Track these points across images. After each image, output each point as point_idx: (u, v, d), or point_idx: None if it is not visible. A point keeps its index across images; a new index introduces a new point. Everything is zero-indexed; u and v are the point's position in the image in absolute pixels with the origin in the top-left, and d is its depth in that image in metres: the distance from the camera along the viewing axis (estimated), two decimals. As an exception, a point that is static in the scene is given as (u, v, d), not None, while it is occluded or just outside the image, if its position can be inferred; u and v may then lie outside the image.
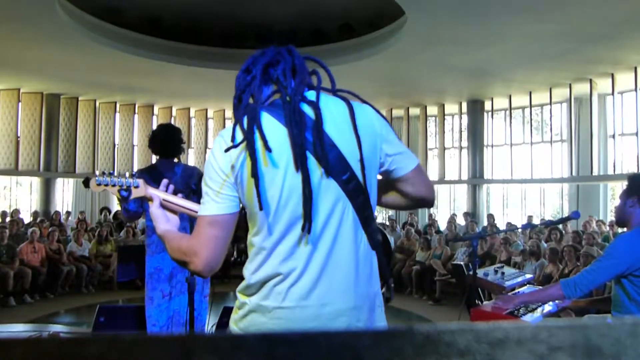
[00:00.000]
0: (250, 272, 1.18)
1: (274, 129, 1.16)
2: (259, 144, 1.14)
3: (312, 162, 1.16)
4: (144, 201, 3.21)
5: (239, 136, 1.15)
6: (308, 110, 1.20)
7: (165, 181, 1.56)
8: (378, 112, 1.30)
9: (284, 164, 1.15)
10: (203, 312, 3.23)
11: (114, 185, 1.62)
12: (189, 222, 2.99)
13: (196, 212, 1.52)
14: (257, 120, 1.16)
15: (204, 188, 1.19)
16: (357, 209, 1.20)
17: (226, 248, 1.22)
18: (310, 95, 1.23)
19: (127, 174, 1.64)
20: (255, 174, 1.12)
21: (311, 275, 1.15)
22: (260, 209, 1.14)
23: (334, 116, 1.21)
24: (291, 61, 1.28)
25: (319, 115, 1.18)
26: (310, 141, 1.16)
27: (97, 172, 1.75)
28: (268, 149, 1.12)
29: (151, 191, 1.55)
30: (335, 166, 1.17)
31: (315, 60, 1.34)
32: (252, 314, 1.17)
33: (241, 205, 1.21)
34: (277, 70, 1.26)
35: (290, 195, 1.14)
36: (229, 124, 1.42)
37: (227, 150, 1.15)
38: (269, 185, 1.15)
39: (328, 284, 1.15)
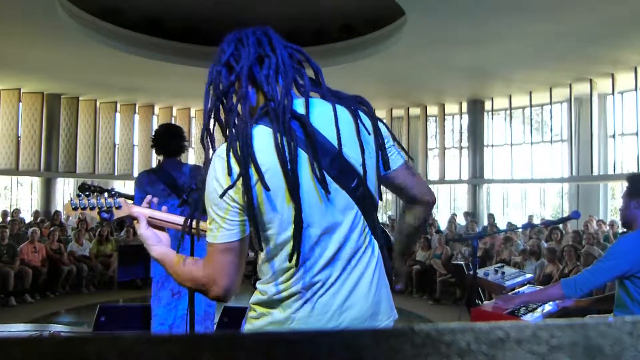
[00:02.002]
0: (272, 290, 1.16)
1: (267, 151, 1.11)
2: (254, 178, 1.09)
3: (307, 181, 1.11)
4: (151, 202, 3.22)
5: (234, 168, 1.09)
6: (300, 124, 1.14)
7: (148, 197, 1.47)
8: (373, 112, 1.26)
9: (282, 188, 1.11)
10: (211, 309, 3.23)
11: (92, 209, 1.47)
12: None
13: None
14: (250, 148, 1.09)
15: (210, 211, 1.14)
16: (366, 214, 1.19)
17: (243, 269, 1.19)
18: (298, 106, 1.16)
19: (107, 194, 1.51)
20: (252, 211, 1.09)
21: (335, 288, 1.14)
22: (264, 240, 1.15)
23: (329, 121, 1.15)
24: (275, 61, 1.17)
25: (312, 133, 1.12)
26: (312, 159, 1.12)
27: (71, 196, 1.58)
28: (266, 187, 1.08)
29: (135, 210, 1.43)
30: (342, 176, 1.15)
31: (297, 49, 1.25)
32: (272, 325, 1.16)
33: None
34: (261, 74, 1.16)
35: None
36: None
37: (222, 194, 1.10)
38: (275, 211, 1.12)
39: (349, 294, 1.15)
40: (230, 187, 1.09)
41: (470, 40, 8.05)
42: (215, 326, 3.55)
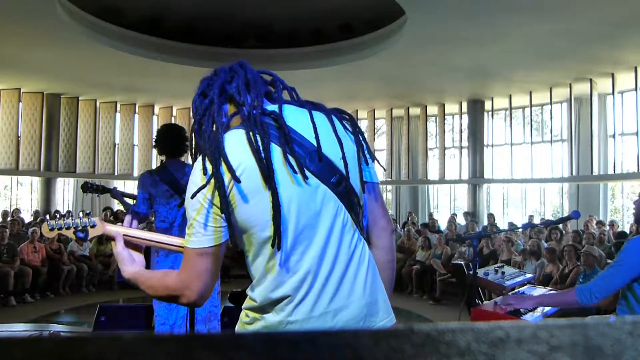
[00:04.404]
0: (261, 295, 1.16)
1: (241, 150, 1.13)
2: (226, 177, 1.10)
3: (283, 174, 1.12)
4: (153, 202, 3.22)
5: (209, 169, 1.12)
6: (272, 121, 1.17)
7: (128, 217, 1.49)
8: (354, 119, 1.29)
9: (260, 185, 1.11)
10: (216, 309, 3.23)
11: (67, 228, 1.52)
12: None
13: (163, 243, 1.47)
14: (221, 150, 1.11)
15: (189, 215, 1.15)
16: (352, 212, 1.18)
17: (217, 274, 1.20)
18: (272, 108, 1.20)
19: (82, 214, 1.55)
20: (226, 209, 1.10)
21: (326, 289, 1.13)
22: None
23: (306, 122, 1.18)
24: (244, 75, 1.25)
25: (284, 124, 1.14)
26: (285, 150, 1.13)
27: (47, 217, 1.67)
28: (237, 180, 1.09)
29: (110, 228, 1.46)
30: (322, 171, 1.15)
31: (268, 73, 1.32)
32: (266, 329, 1.15)
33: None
34: (231, 86, 1.23)
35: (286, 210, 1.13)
36: None
37: (194, 194, 1.11)
38: (253, 209, 1.11)
39: (343, 294, 1.14)
40: (203, 187, 1.10)
41: (470, 40, 8.05)
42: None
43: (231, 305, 3.19)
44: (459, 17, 7.18)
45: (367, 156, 1.25)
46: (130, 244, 1.43)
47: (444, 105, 13.18)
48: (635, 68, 9.23)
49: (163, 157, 3.32)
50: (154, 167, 3.43)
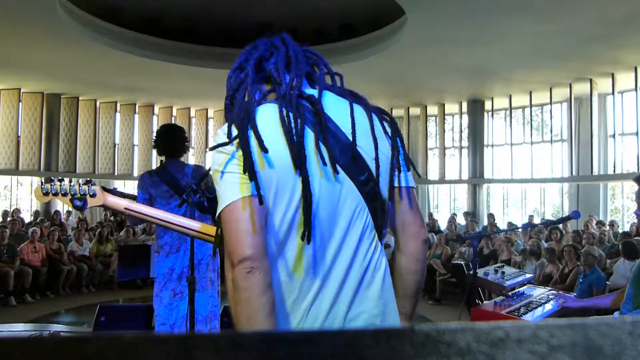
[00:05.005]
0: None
1: (272, 128, 1.04)
2: (253, 142, 1.01)
3: (313, 164, 1.03)
4: (154, 202, 3.22)
5: (234, 133, 1.04)
6: (310, 104, 1.09)
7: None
8: (395, 122, 1.21)
9: (289, 167, 1.03)
10: (216, 309, 3.23)
11: (64, 195, 1.36)
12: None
13: (164, 221, 1.37)
14: (252, 117, 1.03)
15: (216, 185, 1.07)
16: (374, 215, 1.10)
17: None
18: (311, 92, 1.12)
19: (82, 181, 1.39)
20: (254, 176, 0.99)
21: (332, 291, 1.05)
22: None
23: (344, 114, 1.10)
24: (285, 52, 1.14)
25: (321, 111, 1.06)
26: (318, 138, 1.05)
27: (42, 180, 1.54)
28: (264, 149, 1.00)
29: (112, 200, 1.35)
30: (352, 165, 1.07)
31: (313, 52, 1.21)
32: None
33: None
34: (269, 63, 1.14)
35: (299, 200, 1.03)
36: None
37: (213, 148, 1.04)
38: (268, 188, 1.03)
39: (357, 301, 1.06)
40: (224, 144, 1.03)
41: (470, 40, 8.05)
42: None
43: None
44: (459, 17, 7.18)
45: (402, 162, 1.16)
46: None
47: (444, 105, 13.18)
48: (635, 68, 9.23)
49: (163, 158, 3.32)
50: (153, 167, 3.42)
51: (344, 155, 1.06)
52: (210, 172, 1.07)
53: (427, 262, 7.72)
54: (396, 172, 1.14)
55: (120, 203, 1.33)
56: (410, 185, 1.18)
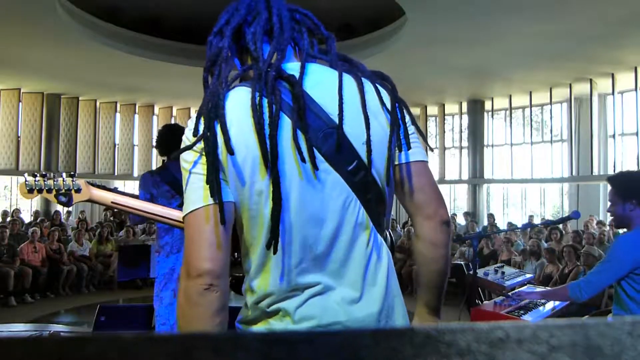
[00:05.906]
0: (253, 298, 0.99)
1: (242, 118, 0.92)
2: (220, 141, 0.91)
3: (290, 161, 0.92)
4: (155, 202, 3.22)
5: (201, 129, 0.93)
6: (289, 86, 0.95)
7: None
8: (394, 89, 1.05)
9: (252, 164, 0.92)
10: None
11: (49, 191, 1.30)
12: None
13: (150, 213, 1.34)
14: (220, 107, 0.91)
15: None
16: (368, 207, 0.97)
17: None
18: (292, 69, 0.96)
19: (65, 175, 1.34)
20: (215, 174, 0.90)
21: (334, 299, 0.96)
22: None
23: (331, 91, 0.95)
24: (266, 18, 0.98)
25: (300, 94, 0.92)
26: (296, 127, 0.92)
27: (25, 175, 1.37)
28: (229, 150, 0.90)
29: (98, 194, 1.30)
30: (337, 155, 0.94)
31: (304, 13, 1.04)
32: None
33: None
34: (249, 31, 0.98)
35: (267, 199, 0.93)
36: None
37: (181, 151, 0.96)
38: (242, 189, 0.93)
39: (355, 305, 0.96)
40: (189, 147, 0.93)
41: (470, 40, 8.05)
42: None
43: (230, 305, 3.19)
44: (459, 17, 7.18)
45: (403, 138, 1.01)
46: (118, 212, 1.31)
47: (444, 105, 13.18)
48: (635, 68, 9.23)
49: (165, 158, 3.32)
50: (154, 167, 3.42)
51: (328, 142, 0.93)
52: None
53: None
54: (396, 151, 1.01)
55: (107, 197, 1.29)
56: (418, 160, 1.04)
